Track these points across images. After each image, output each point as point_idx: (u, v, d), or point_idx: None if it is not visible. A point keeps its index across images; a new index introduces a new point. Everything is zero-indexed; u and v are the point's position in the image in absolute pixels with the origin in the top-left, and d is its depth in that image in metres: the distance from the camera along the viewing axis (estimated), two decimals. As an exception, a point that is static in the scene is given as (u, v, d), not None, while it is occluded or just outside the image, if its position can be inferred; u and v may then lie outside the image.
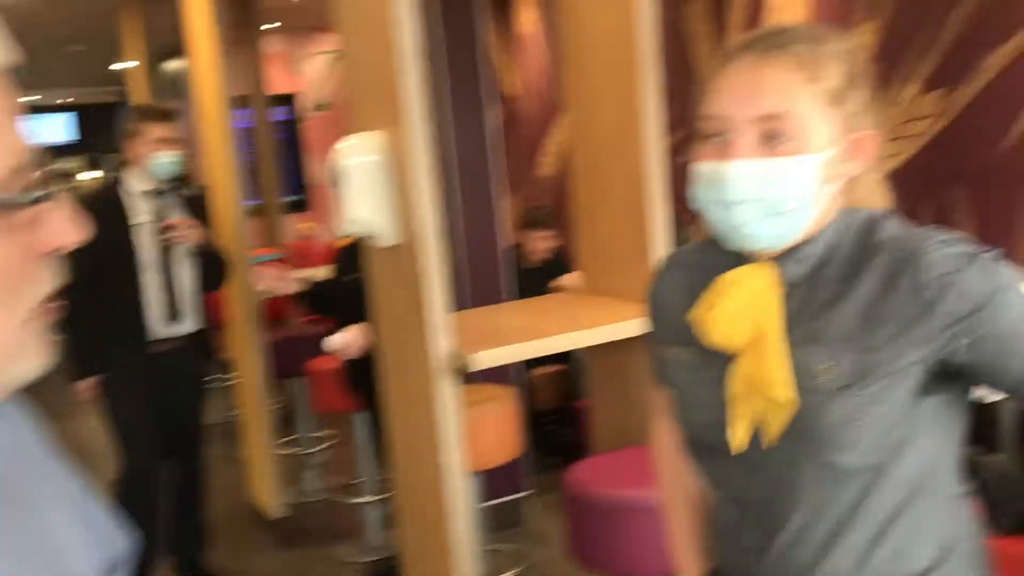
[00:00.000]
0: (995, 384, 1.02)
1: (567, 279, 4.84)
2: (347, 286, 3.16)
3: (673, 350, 1.17)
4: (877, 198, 1.11)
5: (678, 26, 5.46)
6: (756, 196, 1.00)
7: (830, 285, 1.04)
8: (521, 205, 7.36)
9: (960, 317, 0.97)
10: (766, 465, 1.06)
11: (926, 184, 3.92)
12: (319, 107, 8.60)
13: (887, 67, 3.92)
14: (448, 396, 2.29)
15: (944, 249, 1.00)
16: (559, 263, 4.88)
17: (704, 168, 1.03)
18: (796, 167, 0.99)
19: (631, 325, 2.42)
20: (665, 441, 1.37)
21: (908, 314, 0.99)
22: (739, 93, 1.00)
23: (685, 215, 5.18)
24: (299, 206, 8.35)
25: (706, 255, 1.16)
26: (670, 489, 1.36)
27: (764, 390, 1.02)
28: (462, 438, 2.32)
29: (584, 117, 2.72)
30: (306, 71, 8.57)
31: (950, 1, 3.87)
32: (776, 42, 1.00)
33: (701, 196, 1.05)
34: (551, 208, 4.96)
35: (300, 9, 6.94)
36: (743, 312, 1.04)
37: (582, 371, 3.89)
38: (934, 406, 1.04)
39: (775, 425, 1.03)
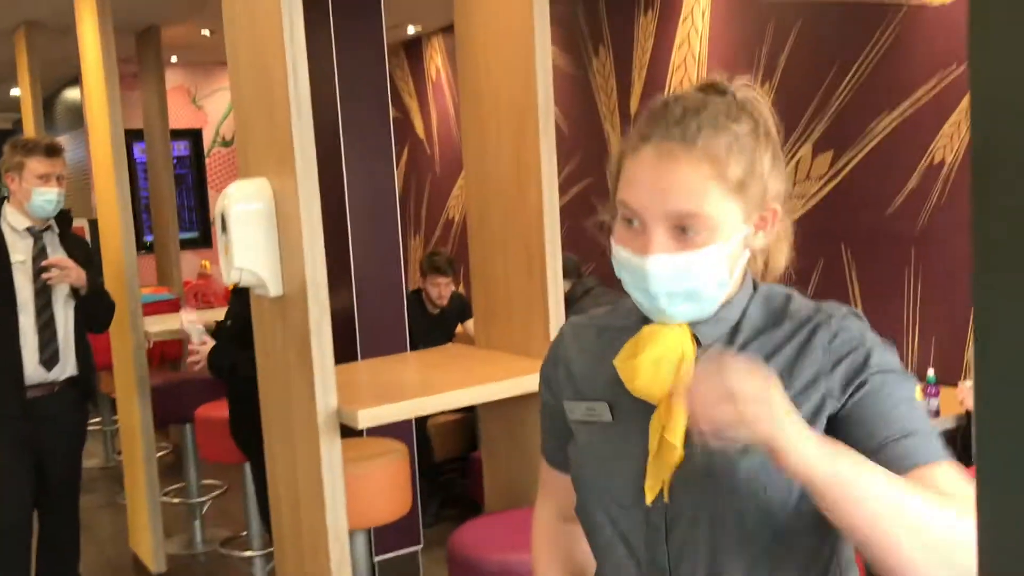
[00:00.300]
0: (860, 444, 1.02)
1: (472, 324, 4.80)
2: (228, 332, 3.07)
3: (583, 405, 1.18)
4: (781, 258, 1.16)
5: (584, 81, 5.53)
6: (673, 288, 1.05)
7: (746, 349, 1.09)
8: (429, 247, 7.31)
9: (856, 378, 1.04)
10: (672, 522, 1.08)
11: (816, 243, 4.02)
12: (223, 143, 8.44)
13: (783, 126, 4.03)
14: (333, 454, 2.22)
15: (852, 320, 1.08)
16: (462, 308, 4.84)
17: (623, 255, 1.08)
18: (708, 257, 1.04)
19: (526, 381, 2.39)
20: (545, 518, 1.35)
21: (818, 370, 1.05)
22: (650, 189, 1.04)
23: (585, 265, 5.19)
24: (200, 242, 8.14)
25: (618, 317, 1.20)
26: (545, 566, 1.33)
27: (675, 442, 1.03)
28: (347, 497, 2.24)
29: (480, 166, 2.70)
30: (209, 106, 8.42)
31: (840, 67, 4.01)
32: (680, 134, 1.03)
33: (623, 277, 1.09)
34: (449, 254, 4.93)
35: (205, 43, 6.81)
36: (664, 362, 1.06)
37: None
38: None
39: (682, 479, 1.06)
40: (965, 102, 3.59)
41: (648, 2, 5.01)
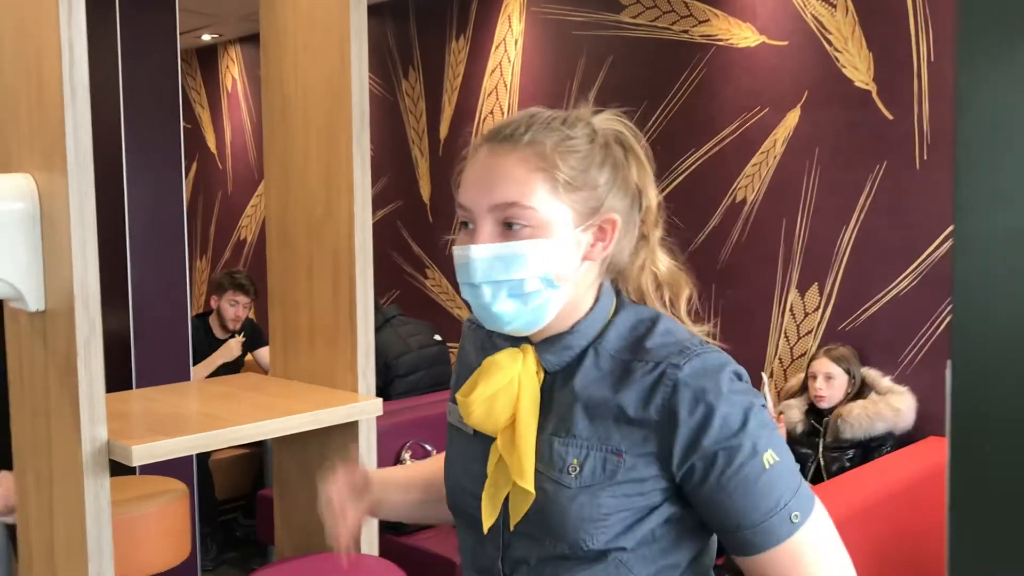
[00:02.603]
0: (708, 520, 1.05)
1: (263, 353, 4.49)
2: None
3: (455, 409, 1.19)
4: (648, 282, 1.15)
5: (392, 103, 5.37)
6: (495, 278, 1.05)
7: (593, 382, 1.07)
8: (216, 270, 6.86)
9: (691, 453, 1.01)
10: (511, 545, 1.10)
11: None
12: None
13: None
14: (100, 495, 1.91)
15: (703, 377, 1.02)
16: (253, 335, 4.52)
17: (456, 252, 1.08)
18: (531, 250, 1.03)
19: (327, 414, 2.17)
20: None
21: (654, 427, 1.02)
22: (478, 185, 1.06)
23: (387, 294, 5.01)
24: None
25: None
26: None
27: (511, 476, 1.06)
28: (115, 544, 1.94)
29: (283, 181, 2.47)
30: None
31: (650, 103, 4.06)
32: (510, 136, 1.06)
33: (458, 278, 1.09)
34: (251, 277, 4.61)
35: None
36: (500, 397, 1.08)
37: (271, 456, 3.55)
38: (678, 521, 1.06)
39: (519, 510, 1.07)
40: (767, 143, 3.70)
41: (460, 27, 4.93)
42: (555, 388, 1.09)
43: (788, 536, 1.01)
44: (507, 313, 1.06)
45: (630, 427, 1.03)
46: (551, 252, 1.04)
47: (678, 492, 1.04)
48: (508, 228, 1.04)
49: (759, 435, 1.01)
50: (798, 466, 1.06)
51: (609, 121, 1.11)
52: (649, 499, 1.03)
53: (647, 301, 1.14)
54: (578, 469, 1.04)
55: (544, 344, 1.10)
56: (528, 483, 1.04)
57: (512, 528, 1.09)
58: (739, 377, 1.05)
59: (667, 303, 1.15)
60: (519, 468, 1.05)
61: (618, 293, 1.14)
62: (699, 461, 1.01)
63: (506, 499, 1.09)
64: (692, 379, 1.02)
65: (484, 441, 1.12)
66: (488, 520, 1.09)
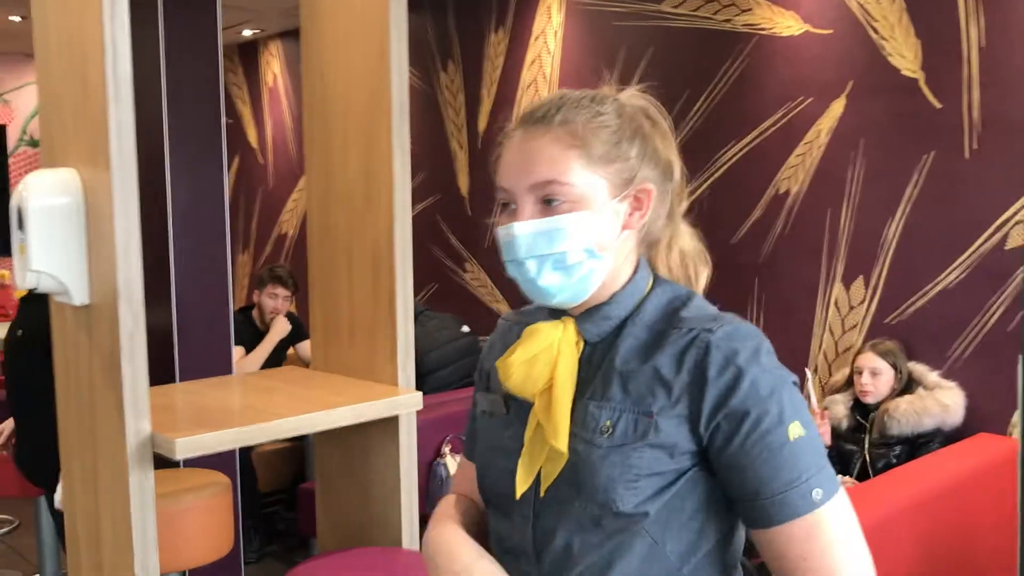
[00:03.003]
0: (726, 487, 1.06)
1: (305, 347, 4.51)
2: (18, 343, 2.70)
3: (488, 398, 1.23)
4: (675, 259, 1.20)
5: (431, 96, 5.36)
6: (539, 252, 1.09)
7: (630, 351, 1.10)
8: (258, 265, 6.92)
9: (718, 411, 1.03)
10: (541, 514, 1.11)
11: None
12: (30, 143, 7.75)
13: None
14: (144, 488, 1.93)
15: (736, 341, 1.05)
16: (295, 329, 4.54)
17: (500, 232, 1.13)
18: (572, 223, 1.08)
19: (369, 408, 2.18)
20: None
21: (685, 388, 1.05)
22: (516, 166, 1.11)
23: (419, 285, 5.00)
24: (3, 251, 7.43)
25: (529, 315, 1.25)
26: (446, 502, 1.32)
27: (547, 439, 1.08)
28: (160, 537, 1.96)
29: (324, 175, 2.47)
30: (16, 101, 7.72)
31: (691, 95, 4.01)
32: (542, 118, 1.11)
33: (503, 257, 1.13)
34: (290, 268, 4.64)
35: (13, 30, 6.22)
36: (538, 361, 1.11)
37: (312, 449, 3.57)
38: (705, 491, 1.07)
39: (551, 472, 1.09)
40: (810, 134, 3.64)
41: (500, 19, 4.91)
42: (594, 359, 1.13)
43: (807, 511, 1.01)
44: (553, 286, 1.10)
45: (663, 389, 1.05)
46: (591, 224, 1.08)
47: (705, 458, 1.06)
48: (548, 204, 1.09)
49: (786, 405, 1.03)
50: (831, 460, 1.05)
51: (634, 97, 1.16)
52: (679, 462, 1.05)
53: (672, 278, 1.19)
54: (610, 430, 1.06)
55: (584, 315, 1.14)
56: (562, 443, 1.07)
57: (543, 493, 1.10)
58: (771, 353, 1.06)
59: (692, 280, 1.20)
60: (554, 429, 1.07)
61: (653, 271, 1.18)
62: (724, 422, 1.02)
63: (538, 473, 1.11)
64: (724, 342, 1.04)
65: (518, 417, 1.15)
66: (522, 487, 1.11)
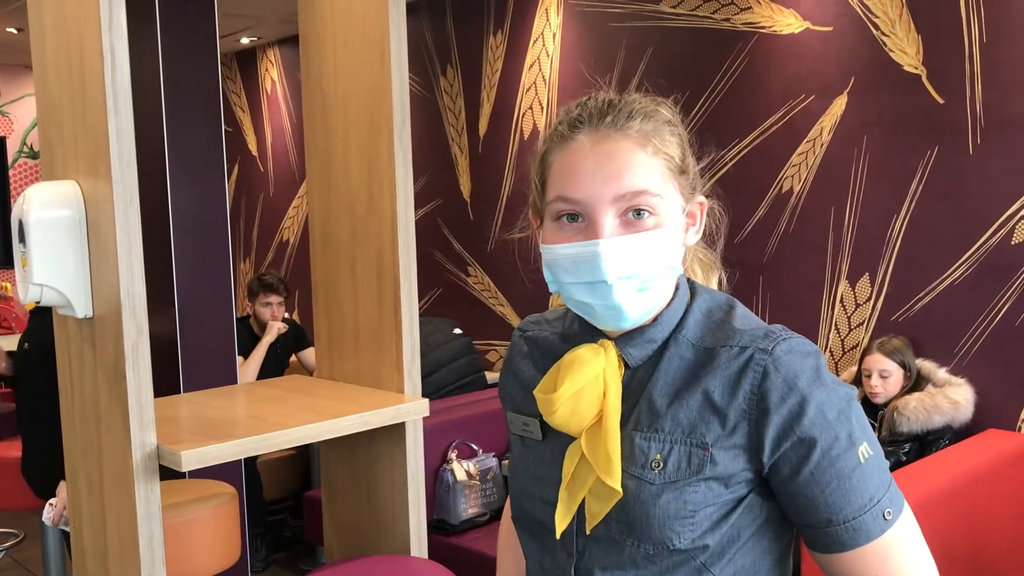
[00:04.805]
0: (791, 514, 1.00)
1: (308, 354, 4.50)
2: (25, 356, 2.69)
3: (518, 419, 1.15)
4: (696, 266, 1.14)
5: (430, 101, 5.35)
6: (630, 273, 0.98)
7: (676, 373, 1.02)
8: (261, 272, 6.91)
9: (783, 441, 0.96)
10: (586, 552, 1.04)
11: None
12: (30, 154, 7.75)
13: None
14: (151, 500, 1.91)
15: (794, 362, 0.97)
16: (297, 336, 4.53)
17: (567, 251, 1.00)
18: (659, 239, 0.99)
19: (375, 416, 2.16)
20: (508, 519, 1.32)
21: (743, 416, 0.97)
22: (594, 176, 0.98)
23: (423, 290, 4.98)
24: (1, 262, 7.41)
25: (541, 326, 1.17)
26: (503, 560, 1.32)
27: (596, 474, 1.01)
28: (167, 549, 1.94)
29: (325, 180, 2.46)
30: (16, 113, 7.71)
31: (692, 94, 4.00)
32: (612, 123, 1.00)
33: (564, 278, 1.02)
34: (281, 275, 4.63)
35: (12, 42, 6.22)
36: (586, 394, 1.02)
37: (318, 456, 3.55)
38: (761, 515, 1.02)
39: (600, 511, 1.02)
40: (813, 131, 3.63)
41: (498, 23, 4.90)
42: (634, 382, 1.04)
43: (880, 534, 0.97)
44: (635, 307, 1.00)
45: (716, 417, 0.98)
46: (673, 239, 1.01)
47: (763, 483, 1.00)
48: (635, 217, 0.98)
49: (855, 426, 0.97)
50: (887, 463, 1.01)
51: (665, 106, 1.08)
52: (735, 491, 0.99)
53: None
54: (661, 464, 0.99)
55: (625, 338, 1.05)
56: (616, 481, 0.99)
57: (589, 531, 1.03)
58: (826, 368, 1.00)
59: (711, 286, 1.14)
60: (607, 466, 0.99)
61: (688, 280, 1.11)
62: (791, 451, 0.96)
63: (580, 507, 1.04)
64: (783, 364, 0.97)
65: (556, 445, 1.07)
66: (562, 524, 1.04)
